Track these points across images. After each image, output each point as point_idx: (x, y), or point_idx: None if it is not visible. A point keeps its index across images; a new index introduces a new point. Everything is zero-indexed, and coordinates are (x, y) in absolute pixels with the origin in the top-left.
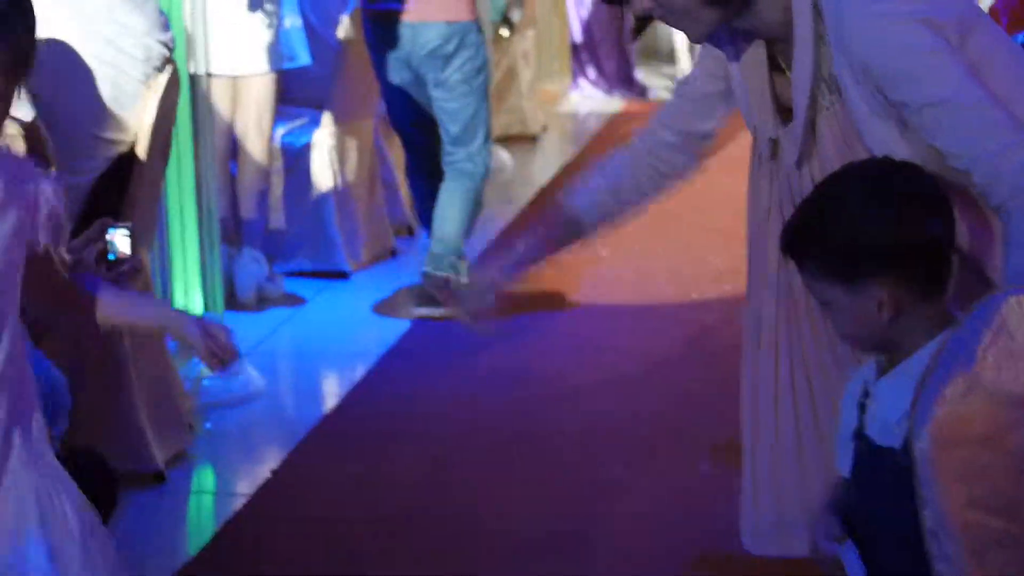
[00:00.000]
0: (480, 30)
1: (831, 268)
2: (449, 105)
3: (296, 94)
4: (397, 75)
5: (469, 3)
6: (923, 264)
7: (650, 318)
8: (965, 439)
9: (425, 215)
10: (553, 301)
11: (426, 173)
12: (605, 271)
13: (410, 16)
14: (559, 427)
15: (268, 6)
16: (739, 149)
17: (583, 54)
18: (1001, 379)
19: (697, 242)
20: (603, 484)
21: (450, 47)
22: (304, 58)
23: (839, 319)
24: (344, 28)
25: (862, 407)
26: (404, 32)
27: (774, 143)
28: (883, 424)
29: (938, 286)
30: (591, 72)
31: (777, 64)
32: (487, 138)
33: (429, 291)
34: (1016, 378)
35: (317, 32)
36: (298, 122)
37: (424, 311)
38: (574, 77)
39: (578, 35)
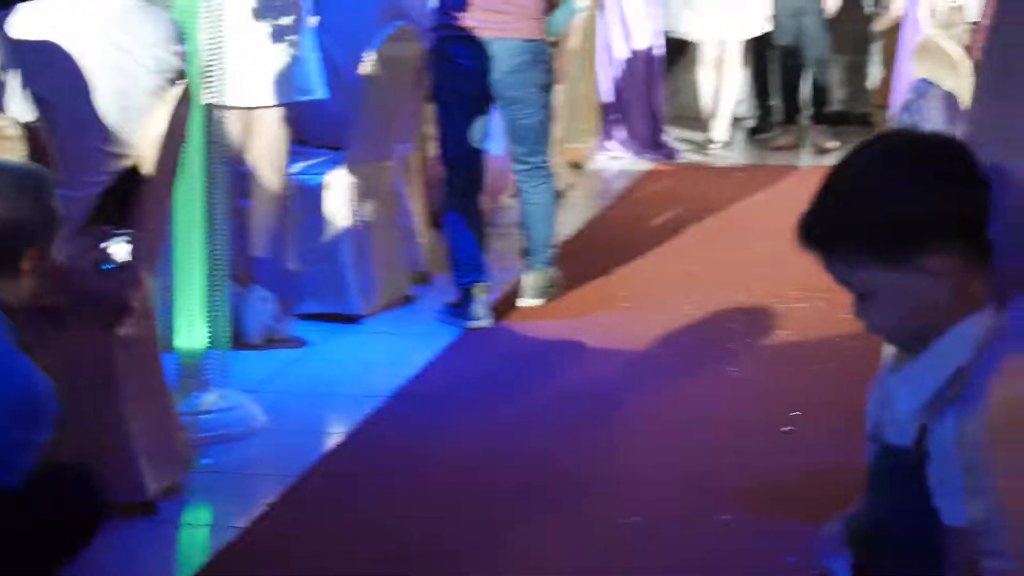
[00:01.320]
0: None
1: (878, 249)
2: (527, 120)
3: (314, 135)
4: (467, 92)
5: (541, 24)
6: (971, 230)
7: (672, 372)
8: (1018, 424)
9: (459, 255)
10: (566, 355)
11: (466, 210)
12: (626, 322)
13: (491, 33)
14: (570, 475)
15: (290, 37)
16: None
17: (612, 115)
18: None
19: (724, 302)
20: (620, 533)
21: (529, 64)
22: (320, 92)
23: (886, 309)
24: (368, 65)
25: (881, 405)
26: (483, 49)
27: None
28: (897, 420)
29: (984, 257)
30: (620, 133)
31: None
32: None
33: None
34: None
35: (340, 69)
36: (314, 160)
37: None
38: (602, 138)
39: (608, 95)
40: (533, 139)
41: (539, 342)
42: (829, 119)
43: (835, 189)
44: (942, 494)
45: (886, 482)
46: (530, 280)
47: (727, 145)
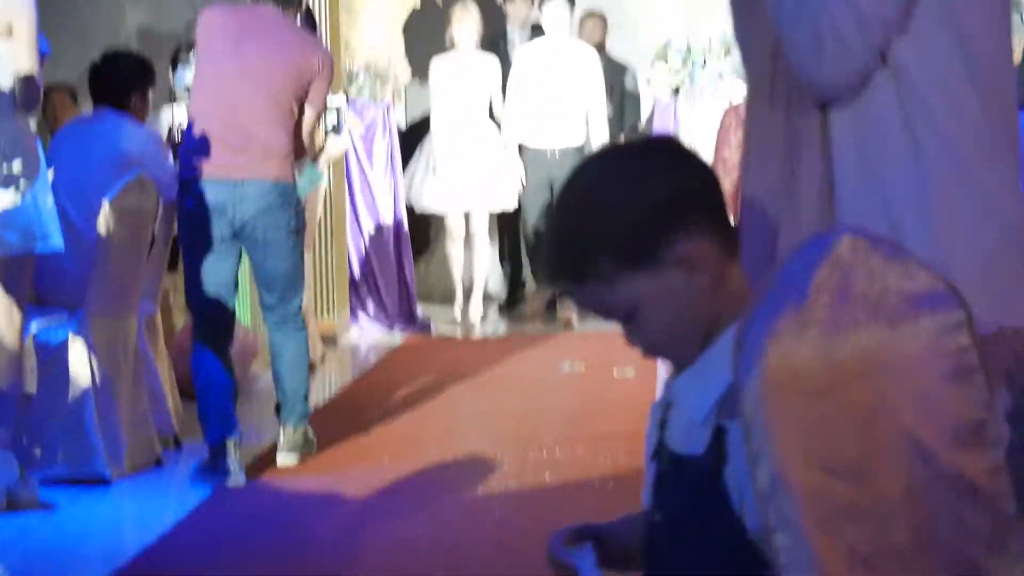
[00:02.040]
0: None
1: (627, 253)
2: (277, 265)
3: (52, 294)
4: (214, 236)
5: (288, 164)
6: (708, 210)
7: (435, 519)
8: (799, 385)
9: (209, 410)
10: (323, 508)
11: (215, 362)
12: (385, 475)
13: (237, 173)
14: None
15: (19, 183)
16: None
17: (362, 288)
18: (836, 322)
19: (485, 451)
20: None
21: (278, 204)
22: (57, 240)
23: (654, 318)
24: (104, 217)
25: (662, 424)
26: (230, 191)
27: None
28: (685, 427)
29: (732, 241)
30: (371, 306)
31: None
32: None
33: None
34: (853, 324)
35: (75, 225)
36: (53, 319)
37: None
38: (353, 311)
39: (358, 268)
40: (283, 285)
41: (293, 496)
42: None
43: (567, 213)
44: (747, 495)
45: (675, 498)
46: (285, 437)
47: (481, 319)
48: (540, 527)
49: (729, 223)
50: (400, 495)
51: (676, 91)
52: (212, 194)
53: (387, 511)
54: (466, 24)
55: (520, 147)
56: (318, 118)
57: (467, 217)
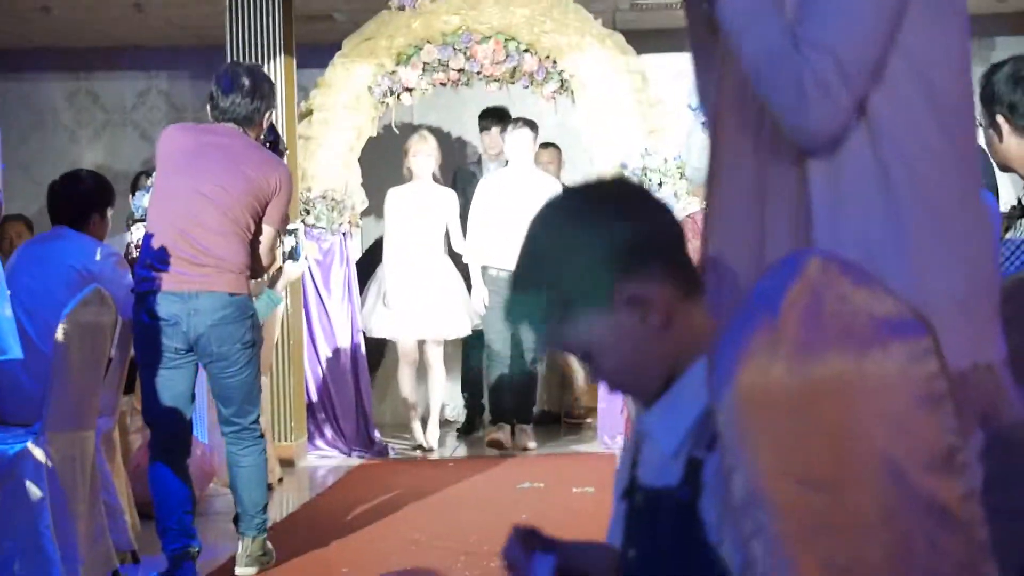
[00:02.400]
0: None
1: (576, 294)
2: (232, 379)
3: (10, 412)
4: (170, 348)
5: (244, 278)
6: (662, 252)
7: None
8: (772, 401)
9: (167, 520)
10: None
11: (172, 473)
12: None
13: (192, 286)
14: None
15: None
16: None
17: (319, 414)
18: (808, 340)
19: (447, 565)
20: None
21: (232, 318)
22: (16, 351)
23: (611, 355)
24: (62, 331)
25: (634, 462)
26: (183, 304)
27: None
28: (658, 460)
29: (694, 284)
30: (328, 432)
31: None
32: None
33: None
34: (822, 343)
35: (33, 341)
36: (9, 433)
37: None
38: (310, 437)
39: (315, 393)
40: (240, 399)
41: None
42: (537, 419)
43: (528, 251)
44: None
45: (651, 532)
46: (243, 548)
47: (439, 444)
48: None
49: (690, 265)
50: None
51: None
52: (165, 307)
53: None
54: (423, 156)
55: (483, 269)
56: (276, 236)
57: (421, 345)
